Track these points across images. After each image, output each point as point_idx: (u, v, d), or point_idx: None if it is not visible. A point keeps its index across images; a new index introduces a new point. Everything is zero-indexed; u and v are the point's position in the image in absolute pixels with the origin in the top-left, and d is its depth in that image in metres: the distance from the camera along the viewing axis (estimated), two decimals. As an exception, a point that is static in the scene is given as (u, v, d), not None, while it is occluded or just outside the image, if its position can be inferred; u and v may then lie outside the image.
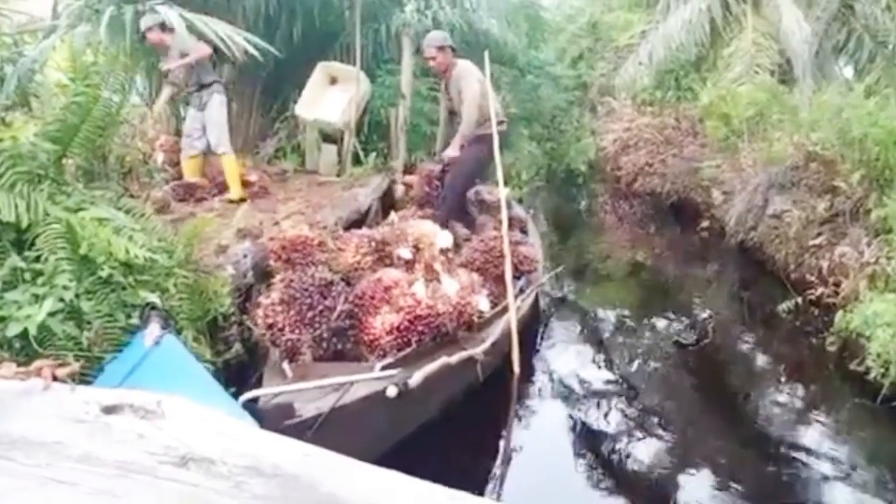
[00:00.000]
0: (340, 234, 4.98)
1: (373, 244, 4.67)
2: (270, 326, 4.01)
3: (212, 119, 6.45)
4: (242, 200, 6.25)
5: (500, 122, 5.90)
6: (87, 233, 3.53)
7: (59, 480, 1.07)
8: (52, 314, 3.16)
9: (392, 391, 3.39)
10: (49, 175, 3.82)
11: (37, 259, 3.42)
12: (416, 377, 3.49)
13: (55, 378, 1.21)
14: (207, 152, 6.59)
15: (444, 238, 4.85)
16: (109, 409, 1.28)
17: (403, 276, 4.38)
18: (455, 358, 3.95)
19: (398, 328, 3.99)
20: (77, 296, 3.33)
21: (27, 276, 3.33)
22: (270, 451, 1.21)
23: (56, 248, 3.42)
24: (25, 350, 3.00)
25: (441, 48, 5.93)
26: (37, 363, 1.17)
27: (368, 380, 3.51)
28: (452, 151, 5.89)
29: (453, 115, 6.19)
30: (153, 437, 1.22)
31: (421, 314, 4.04)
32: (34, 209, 3.52)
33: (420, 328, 4.03)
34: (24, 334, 3.07)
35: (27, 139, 3.58)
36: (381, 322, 4.03)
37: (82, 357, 3.22)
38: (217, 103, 6.46)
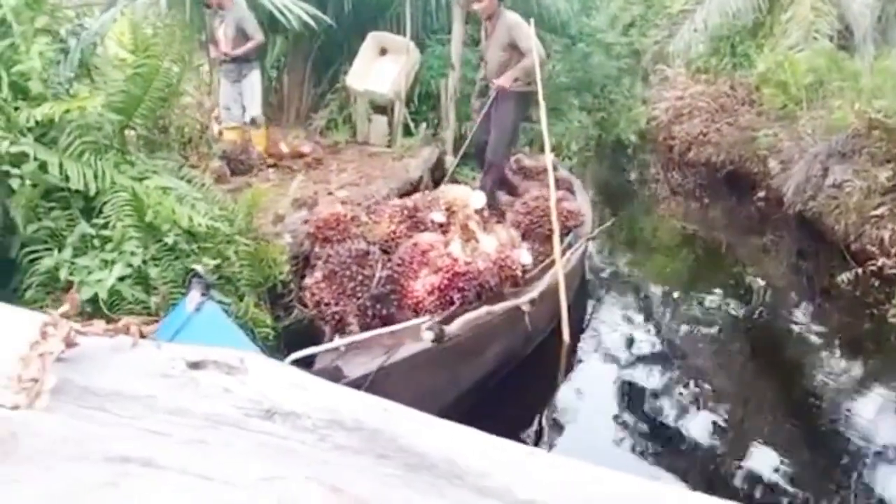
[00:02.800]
0: (375, 208, 5.05)
1: (405, 212, 4.74)
2: (317, 304, 4.10)
3: (253, 92, 6.63)
4: (273, 166, 6.51)
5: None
6: (152, 201, 3.62)
7: (154, 431, 1.11)
8: (121, 279, 3.26)
9: (428, 335, 3.44)
10: (114, 145, 3.92)
11: (104, 226, 3.52)
12: (456, 324, 3.55)
13: (142, 335, 1.25)
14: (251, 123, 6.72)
15: (477, 198, 4.87)
16: (195, 365, 1.32)
17: (439, 239, 4.43)
18: (498, 308, 4.00)
19: (439, 288, 4.05)
20: (144, 262, 3.43)
21: (96, 242, 3.44)
22: (350, 406, 1.24)
23: (123, 215, 3.52)
24: (99, 314, 3.10)
25: None
26: (125, 320, 1.20)
27: (401, 329, 3.56)
28: (504, 81, 5.57)
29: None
30: (238, 392, 1.25)
31: (460, 271, 4.09)
32: (101, 177, 3.61)
33: (461, 285, 4.08)
34: (93, 298, 3.18)
35: (94, 110, 3.65)
36: (422, 284, 4.08)
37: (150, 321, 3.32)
38: (258, 78, 6.71)
